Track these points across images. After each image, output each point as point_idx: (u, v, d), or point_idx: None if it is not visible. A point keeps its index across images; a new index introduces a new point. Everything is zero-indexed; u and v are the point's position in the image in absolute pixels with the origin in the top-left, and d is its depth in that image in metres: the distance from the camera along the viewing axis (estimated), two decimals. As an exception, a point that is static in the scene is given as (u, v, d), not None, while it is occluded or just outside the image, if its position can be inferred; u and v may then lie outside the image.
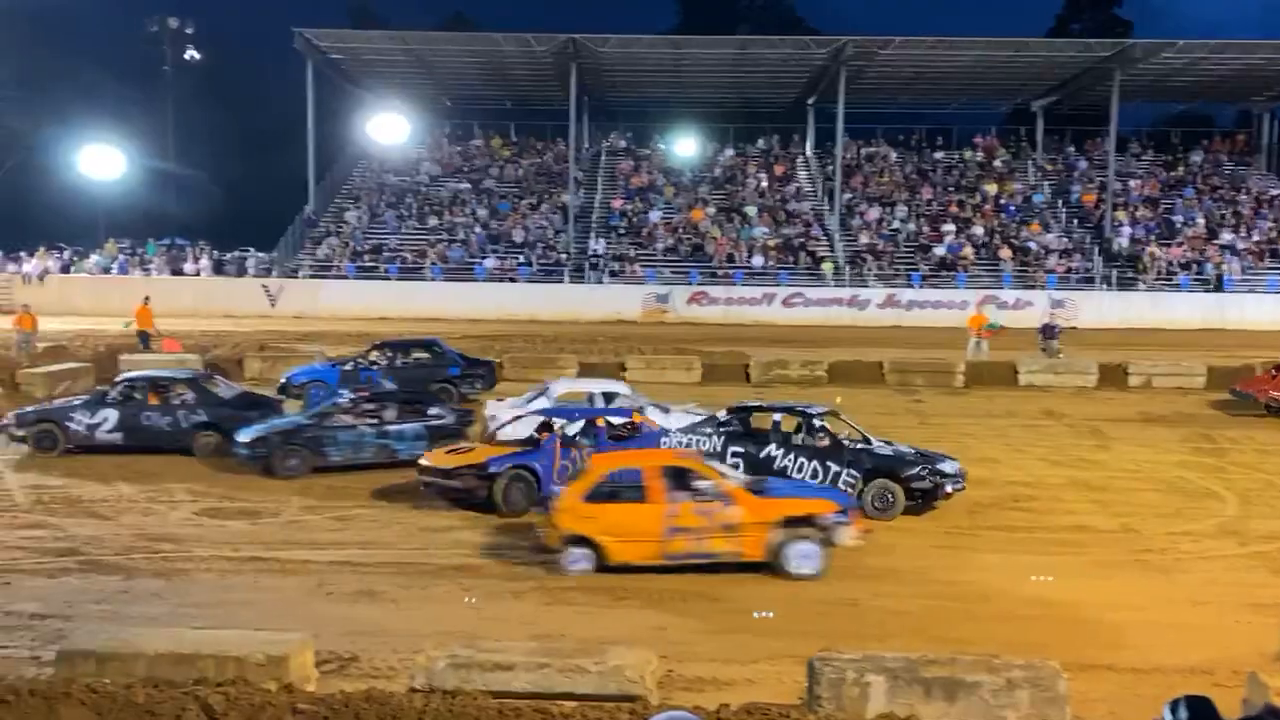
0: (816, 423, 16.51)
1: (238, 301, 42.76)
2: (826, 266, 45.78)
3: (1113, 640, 11.06)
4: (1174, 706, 1.67)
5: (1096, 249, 47.13)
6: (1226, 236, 47.71)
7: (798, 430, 16.67)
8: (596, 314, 42.41)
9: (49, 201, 57.20)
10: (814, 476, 15.77)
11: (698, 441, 16.58)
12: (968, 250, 46.80)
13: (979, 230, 48.22)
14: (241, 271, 46.76)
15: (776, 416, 16.86)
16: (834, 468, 15.76)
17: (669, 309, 43.44)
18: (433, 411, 18.98)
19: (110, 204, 53.27)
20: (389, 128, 52.75)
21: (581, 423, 16.86)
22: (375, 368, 24.61)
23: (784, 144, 55.72)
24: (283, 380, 24.48)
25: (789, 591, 12.57)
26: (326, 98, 51.64)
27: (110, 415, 19.30)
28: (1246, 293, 44.74)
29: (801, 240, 47.62)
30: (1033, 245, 47.28)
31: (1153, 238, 47.79)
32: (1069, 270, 45.83)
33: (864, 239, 47.67)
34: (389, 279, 45.05)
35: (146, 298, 31.91)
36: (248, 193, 58.83)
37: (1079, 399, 26.29)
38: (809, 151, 55.31)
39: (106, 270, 46.40)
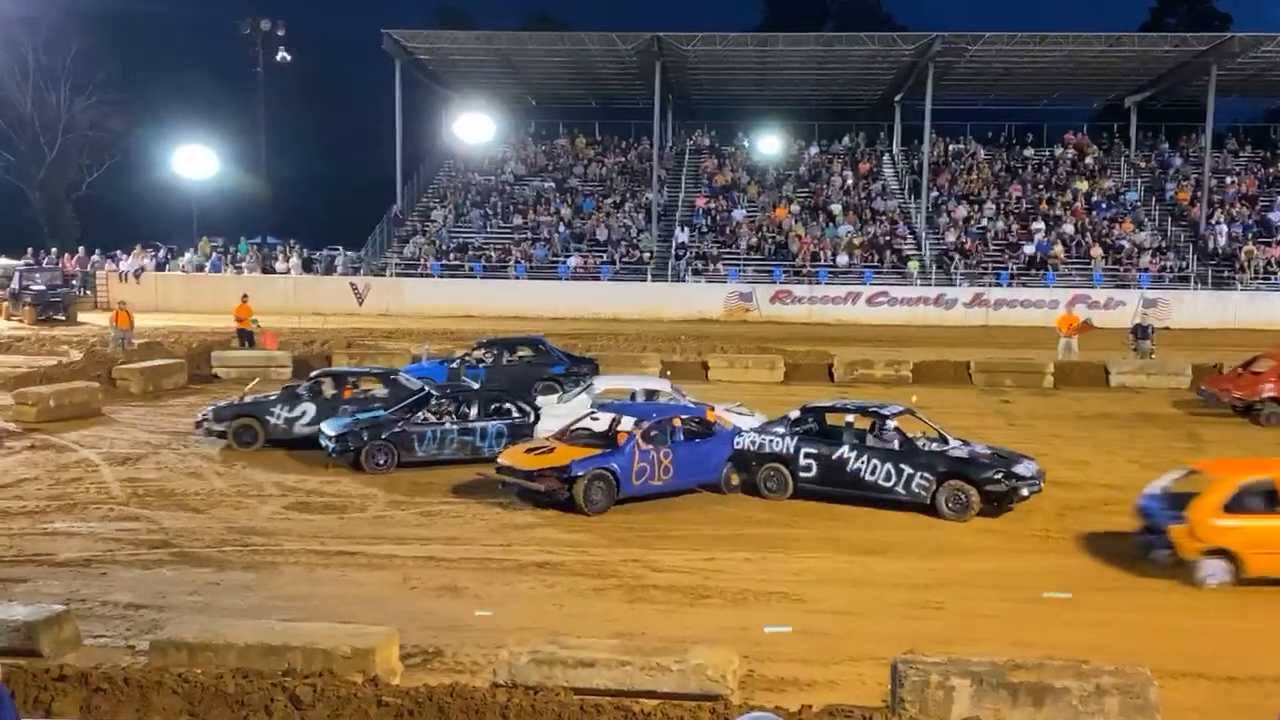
0: (890, 423, 16.36)
1: (326, 299, 43.48)
2: (912, 265, 45.26)
3: (1206, 648, 10.77)
4: None
5: (1191, 247, 46.00)
6: (1328, 234, 46.29)
7: (871, 430, 16.55)
8: (679, 313, 42.41)
9: (144, 201, 58.80)
10: (886, 479, 15.70)
11: (770, 442, 16.51)
12: (1058, 249, 45.94)
13: (1069, 228, 47.32)
14: (330, 270, 47.57)
15: (850, 417, 16.78)
16: (907, 469, 15.65)
17: (752, 307, 43.27)
18: (512, 409, 19.14)
19: (203, 203, 54.45)
20: (474, 127, 53.23)
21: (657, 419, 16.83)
22: (482, 365, 24.81)
23: (870, 141, 55.21)
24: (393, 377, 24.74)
25: (874, 594, 12.46)
26: (414, 98, 52.31)
27: (309, 409, 19.82)
28: (1348, 292, 43.34)
29: (887, 238, 47.13)
30: (1125, 244, 46.28)
31: (1250, 236, 46.51)
32: (1163, 269, 44.79)
33: (951, 237, 47.05)
34: (474, 277, 45.47)
35: (245, 295, 32.54)
36: (336, 192, 59.89)
37: (1172, 400, 25.68)
38: (895, 149, 54.74)
39: (200, 268, 47.52)
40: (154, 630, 10.31)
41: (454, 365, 24.80)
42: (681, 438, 16.65)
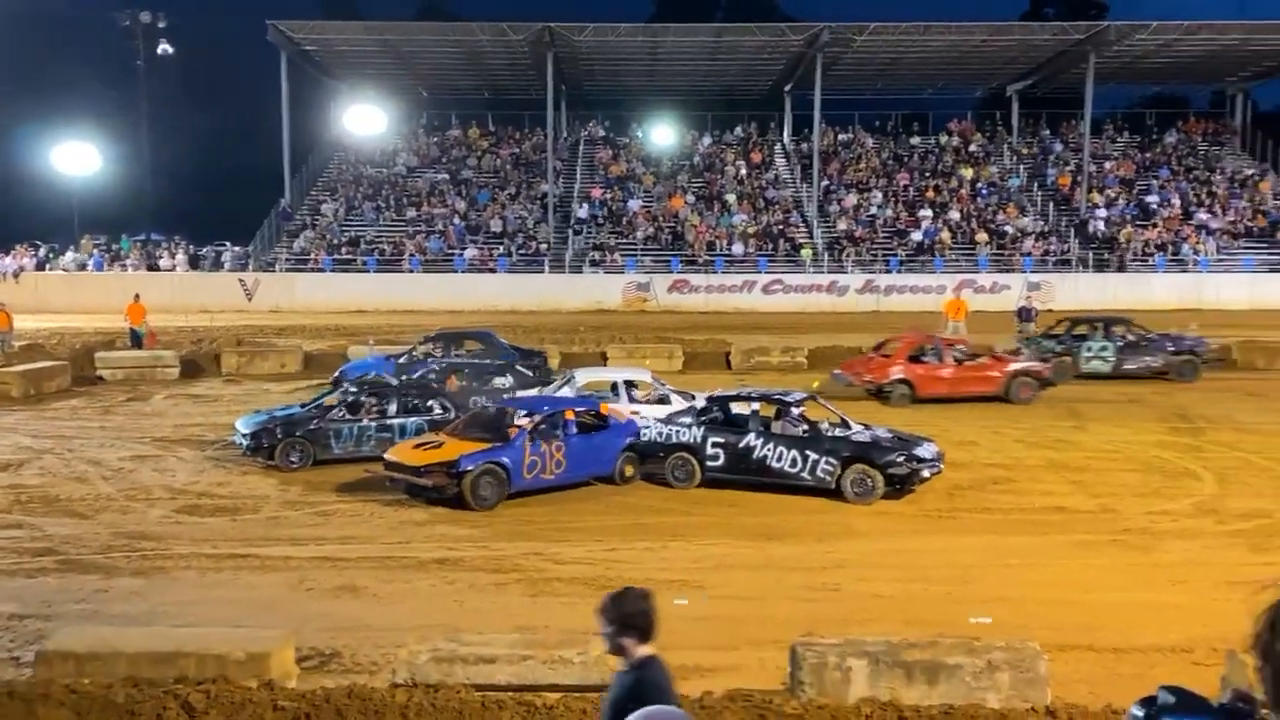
0: (795, 410, 16.59)
1: (214, 296, 42.53)
2: (805, 253, 45.85)
3: (1093, 620, 11.10)
4: (1147, 702, 1.64)
5: (1073, 232, 47.34)
6: (1201, 217, 47.97)
7: (776, 418, 16.74)
8: (577, 303, 42.39)
9: (24, 199, 56.88)
10: (792, 465, 15.94)
11: (677, 432, 16.65)
12: (944, 235, 46.92)
13: (955, 215, 48.36)
14: (217, 266, 46.53)
15: (755, 405, 16.98)
16: (812, 455, 15.89)
17: (650, 297, 43.44)
18: (434, 406, 18.93)
19: (85, 200, 52.87)
20: (365, 119, 52.53)
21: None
22: (431, 359, 24.55)
23: (761, 131, 55.77)
24: (337, 375, 24.37)
25: (773, 577, 12.60)
26: (301, 90, 51.44)
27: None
28: (1222, 273, 44.99)
29: (780, 227, 47.65)
30: (1009, 229, 47.44)
31: (1128, 219, 48.01)
32: (1045, 253, 46.01)
33: (842, 225, 47.75)
34: (367, 271, 44.87)
35: (136, 295, 31.58)
36: (223, 187, 58.57)
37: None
38: (786, 139, 55.36)
39: (82, 267, 46.11)
40: (39, 641, 9.99)
41: (402, 360, 24.46)
42: (575, 431, 16.64)
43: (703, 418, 16.96)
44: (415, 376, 22.21)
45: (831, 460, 15.79)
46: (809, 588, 12.28)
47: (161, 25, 54.67)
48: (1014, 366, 23.95)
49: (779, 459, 16.05)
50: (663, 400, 19.75)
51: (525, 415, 16.50)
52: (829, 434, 16.34)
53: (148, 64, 55.07)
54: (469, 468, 15.36)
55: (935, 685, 8.35)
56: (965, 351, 24.25)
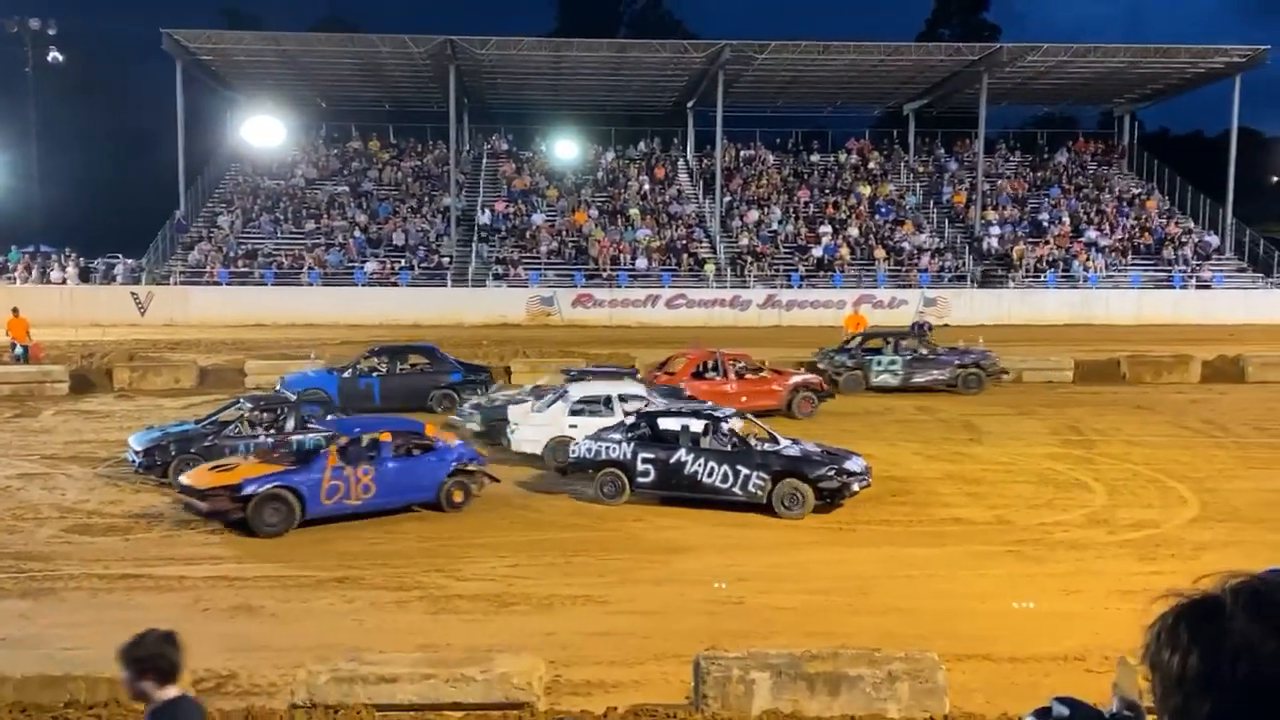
0: (724, 425, 16.65)
1: (106, 310, 41.35)
2: (708, 268, 46.19)
3: (989, 630, 11.34)
4: (1041, 714, 1.67)
5: (967, 248, 48.40)
6: (1091, 234, 49.40)
7: (706, 433, 16.73)
8: (481, 317, 42.10)
9: (-97, 208, 54.75)
10: (724, 480, 15.98)
11: (607, 448, 16.57)
12: (844, 251, 47.64)
13: (854, 231, 49.13)
14: (109, 279, 45.28)
15: (685, 420, 16.99)
16: (743, 470, 15.95)
17: (554, 311, 43.36)
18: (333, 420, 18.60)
19: (-31, 211, 51.18)
20: (263, 130, 51.66)
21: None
22: (375, 374, 24.21)
23: (665, 147, 56.09)
24: (278, 388, 23.68)
25: (675, 590, 12.65)
26: (197, 100, 50.41)
27: None
28: (1110, 288, 46.36)
29: (684, 242, 47.95)
30: (906, 245, 48.33)
31: (1020, 236, 49.24)
32: (941, 269, 46.95)
33: (744, 240, 48.21)
34: (264, 285, 44.08)
35: (15, 309, 30.50)
36: (116, 198, 57.10)
37: (951, 394, 26.91)
38: (689, 154, 55.75)
39: (-35, 280, 44.55)
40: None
41: (346, 375, 24.10)
42: (390, 455, 16.04)
43: (632, 433, 16.86)
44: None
45: (763, 475, 15.89)
46: (712, 601, 12.36)
47: (52, 32, 53.25)
48: (794, 380, 24.42)
49: (710, 474, 16.08)
50: None
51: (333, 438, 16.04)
52: (759, 449, 16.42)
53: (37, 71, 53.58)
54: (252, 491, 14.69)
55: (837, 696, 8.46)
56: (748, 366, 24.57)
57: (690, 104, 55.31)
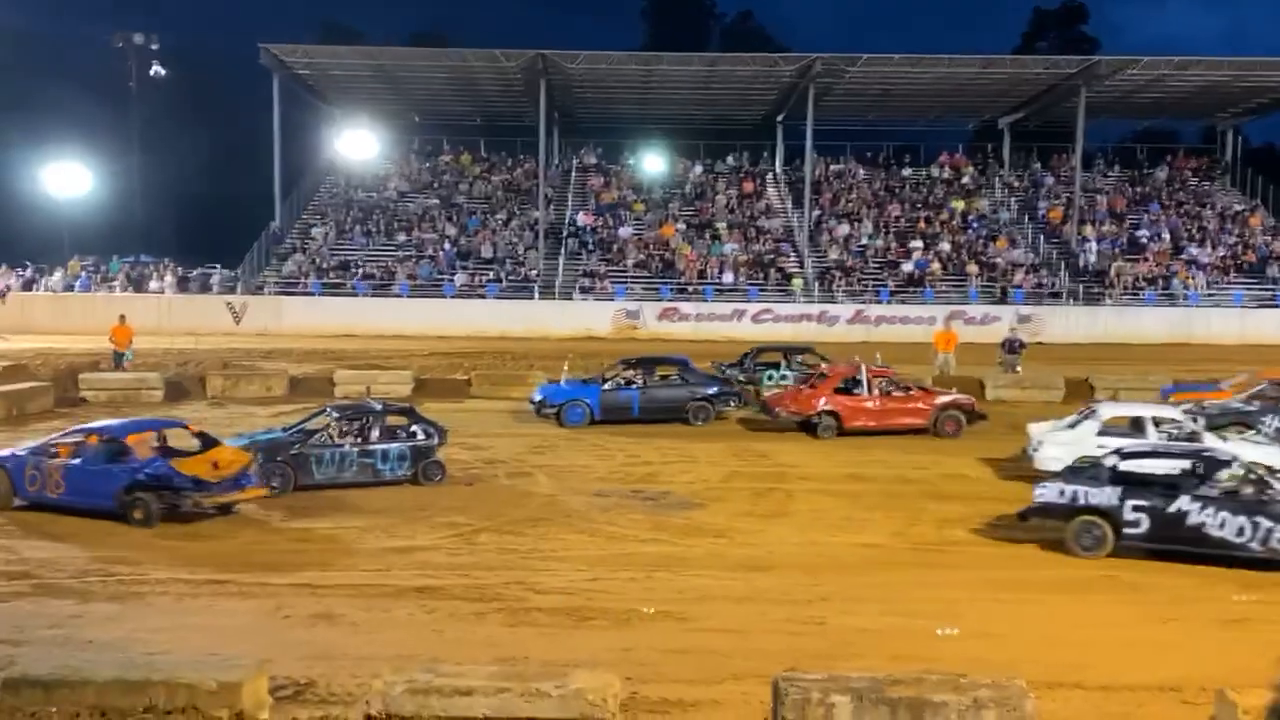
0: (1233, 470, 14.67)
1: (201, 319, 42.30)
2: (796, 283, 45.81)
3: (1082, 658, 10.94)
4: None
5: (1063, 264, 47.39)
6: (1192, 251, 48.08)
7: (1203, 476, 14.76)
8: (566, 330, 42.25)
9: (13, 219, 56.59)
10: (1239, 534, 14.08)
11: (1085, 493, 14.68)
12: (935, 266, 46.95)
13: (946, 246, 48.38)
14: (205, 288, 46.30)
15: (1181, 462, 15.36)
16: (1264, 522, 13.99)
17: (639, 325, 43.33)
18: (417, 431, 18.74)
19: (75, 221, 52.69)
20: (357, 144, 52.51)
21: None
22: (634, 386, 24.68)
23: (753, 161, 55.84)
24: (538, 398, 24.59)
25: (756, 610, 12.42)
26: (294, 114, 51.36)
27: None
28: (1212, 307, 45.04)
29: (771, 256, 47.65)
30: (999, 261, 47.47)
31: (1119, 253, 48.10)
32: (1037, 286, 46.03)
33: (833, 255, 47.76)
34: (356, 295, 44.69)
35: (122, 316, 31.28)
36: (214, 209, 58.45)
37: (1046, 413, 26.23)
38: (778, 168, 55.44)
39: (69, 288, 45.86)
40: (8, 667, 9.77)
41: (607, 388, 24.59)
42: (87, 455, 16.22)
43: (1117, 475, 14.92)
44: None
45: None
46: (794, 620, 12.11)
47: (154, 47, 54.80)
48: (942, 400, 23.71)
49: (1221, 526, 14.11)
50: (1191, 438, 17.93)
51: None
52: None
53: (140, 85, 55.13)
54: None
55: (920, 723, 8.17)
56: (894, 383, 23.97)
57: (780, 117, 55.02)
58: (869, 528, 16.07)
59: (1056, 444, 18.72)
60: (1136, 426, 18.56)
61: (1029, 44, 77.47)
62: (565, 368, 26.47)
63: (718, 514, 16.72)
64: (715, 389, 24.99)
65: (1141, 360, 34.27)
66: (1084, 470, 15.32)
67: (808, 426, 23.29)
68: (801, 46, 61.69)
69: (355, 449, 18.16)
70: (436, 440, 18.75)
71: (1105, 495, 14.55)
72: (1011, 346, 31.51)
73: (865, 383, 23.49)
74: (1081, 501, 14.63)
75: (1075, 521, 14.63)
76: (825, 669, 9.35)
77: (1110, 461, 15.13)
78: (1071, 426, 19.26)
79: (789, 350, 29.00)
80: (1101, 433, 18.46)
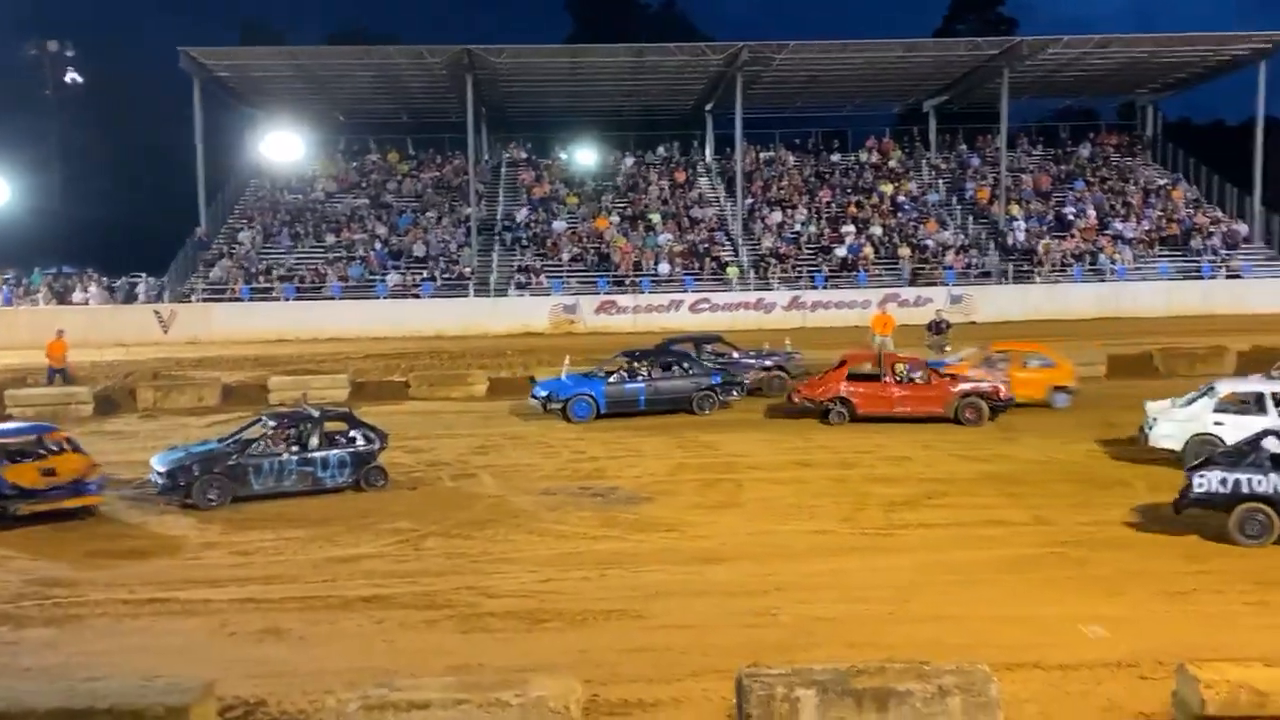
0: None
1: (128, 329, 41.29)
2: (731, 271, 45.83)
3: (1036, 637, 10.98)
4: None
5: (992, 244, 47.87)
6: (1117, 226, 48.80)
7: None
8: (503, 327, 41.89)
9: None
10: None
11: (1251, 481, 14.27)
12: (868, 250, 47.19)
13: (878, 230, 48.67)
14: (131, 298, 45.25)
15: None
16: None
17: (577, 319, 43.09)
18: (357, 437, 18.41)
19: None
20: (281, 145, 51.63)
21: None
22: (640, 379, 24.54)
23: (684, 150, 55.76)
24: (541, 394, 24.43)
25: (712, 603, 12.35)
26: (216, 117, 50.35)
27: None
28: (1139, 281, 45.76)
29: (706, 246, 47.61)
30: (930, 243, 47.85)
31: (1046, 230, 48.69)
32: (967, 266, 46.44)
33: (767, 242, 47.84)
34: (286, 300, 43.98)
35: (60, 331, 30.33)
36: (137, 217, 57.19)
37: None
38: (709, 157, 55.42)
39: (-10, 302, 44.64)
40: (-58, 702, 9.41)
41: (612, 381, 24.48)
42: None
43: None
44: None
45: None
46: (751, 612, 12.05)
47: (70, 54, 53.49)
48: (963, 386, 23.20)
49: None
50: None
51: None
52: None
53: (56, 93, 53.83)
54: None
55: (886, 713, 8.09)
56: (911, 370, 23.57)
57: (709, 107, 54.99)
58: (818, 515, 16.08)
59: (1172, 421, 18.56)
60: (1256, 403, 18.37)
61: (950, 26, 78.11)
62: (566, 361, 26.22)
63: (667, 507, 16.64)
64: (719, 379, 25.06)
65: (1072, 336, 34.69)
66: (1240, 456, 14.78)
67: (822, 413, 23.06)
68: (724, 34, 61.72)
69: (294, 457, 17.82)
70: (377, 445, 18.46)
71: (1272, 482, 14.15)
72: (938, 328, 31.77)
73: (882, 370, 23.24)
74: (1247, 490, 14.22)
75: (1239, 510, 14.25)
76: (785, 661, 9.30)
77: (1271, 446, 14.65)
78: (1188, 404, 18.93)
79: (699, 340, 28.67)
80: (1218, 409, 18.36)
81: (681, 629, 11.56)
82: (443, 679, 8.95)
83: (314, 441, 18.05)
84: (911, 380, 23.26)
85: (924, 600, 12.28)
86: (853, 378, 23.29)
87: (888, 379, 23.12)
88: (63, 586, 13.45)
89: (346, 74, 48.96)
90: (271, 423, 18.44)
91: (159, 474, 17.43)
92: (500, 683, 8.62)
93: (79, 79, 52.22)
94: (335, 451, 18.09)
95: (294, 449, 17.92)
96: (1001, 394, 22.89)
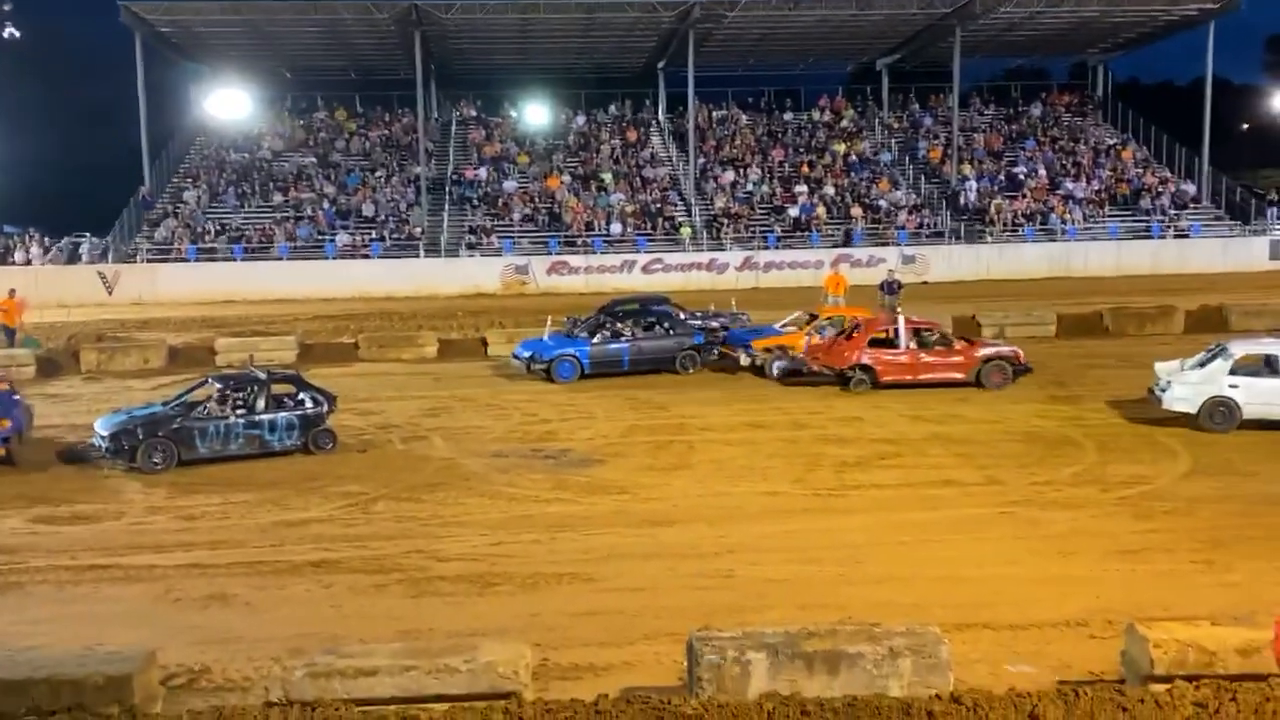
0: None
1: (72, 290, 40.55)
2: (684, 231, 45.66)
3: (988, 597, 11.03)
4: None
5: (945, 204, 48.01)
6: (1068, 186, 49.09)
7: None
8: (454, 288, 41.57)
9: None
10: None
11: None
12: (820, 210, 47.16)
13: (830, 190, 48.64)
14: (74, 258, 44.42)
15: None
16: None
17: (529, 280, 42.82)
18: (305, 399, 18.15)
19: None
20: (227, 103, 50.71)
21: None
22: (622, 339, 24.33)
23: (636, 109, 55.32)
24: (524, 355, 24.26)
25: (664, 565, 12.29)
26: (159, 73, 49.32)
27: None
28: (1089, 240, 46.12)
29: (658, 205, 47.38)
30: (883, 203, 47.90)
31: (998, 190, 48.88)
32: (919, 226, 46.56)
33: (720, 202, 47.67)
34: (233, 260, 43.32)
35: (12, 290, 29.69)
36: (79, 175, 56.06)
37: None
38: (661, 116, 55.04)
39: (-73, 263, 43.58)
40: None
41: (595, 341, 24.32)
42: None
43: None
44: None
45: None
46: (702, 574, 12.02)
47: (6, 7, 52.04)
48: (985, 351, 22.64)
49: None
50: None
51: None
52: None
53: (-8, 47, 52.38)
54: None
55: (836, 676, 8.09)
56: (933, 335, 22.97)
57: (661, 65, 54.57)
58: (770, 476, 16.06)
59: (1185, 384, 18.37)
60: (1269, 365, 18.30)
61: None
62: (549, 321, 25.85)
63: (619, 469, 16.56)
64: (702, 339, 25.04)
65: (1025, 295, 34.96)
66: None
67: (841, 380, 22.38)
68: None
69: (241, 420, 17.54)
70: (326, 407, 18.22)
71: None
72: (891, 288, 31.80)
73: (902, 335, 22.52)
74: None
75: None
76: (738, 623, 9.27)
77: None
78: (1201, 365, 18.76)
79: (645, 301, 28.21)
80: (1233, 371, 18.24)
81: (633, 591, 11.50)
82: (390, 645, 8.85)
83: (261, 404, 17.78)
84: (932, 346, 22.69)
85: (875, 561, 12.30)
86: (874, 344, 22.59)
87: (910, 344, 22.50)
88: (3, 553, 13.15)
89: (293, 29, 47.99)
90: (218, 385, 18.13)
91: (102, 437, 17.13)
92: (449, 648, 8.54)
93: (16, 34, 50.77)
94: (283, 414, 17.83)
95: (241, 412, 17.65)
96: (1021, 358, 22.56)
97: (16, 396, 17.86)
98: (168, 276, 42.15)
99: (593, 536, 13.37)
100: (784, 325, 25.57)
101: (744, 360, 24.33)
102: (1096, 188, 49.35)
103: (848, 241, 44.92)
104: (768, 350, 24.03)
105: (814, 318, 25.39)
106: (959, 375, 22.28)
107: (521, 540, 13.26)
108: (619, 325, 24.92)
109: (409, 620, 10.83)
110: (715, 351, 25.10)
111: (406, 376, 25.16)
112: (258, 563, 12.63)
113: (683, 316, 27.09)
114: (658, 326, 25.00)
